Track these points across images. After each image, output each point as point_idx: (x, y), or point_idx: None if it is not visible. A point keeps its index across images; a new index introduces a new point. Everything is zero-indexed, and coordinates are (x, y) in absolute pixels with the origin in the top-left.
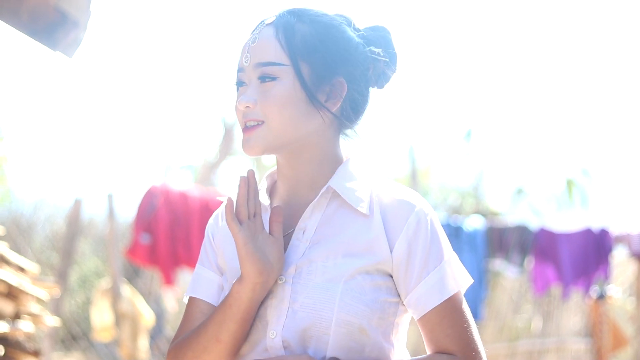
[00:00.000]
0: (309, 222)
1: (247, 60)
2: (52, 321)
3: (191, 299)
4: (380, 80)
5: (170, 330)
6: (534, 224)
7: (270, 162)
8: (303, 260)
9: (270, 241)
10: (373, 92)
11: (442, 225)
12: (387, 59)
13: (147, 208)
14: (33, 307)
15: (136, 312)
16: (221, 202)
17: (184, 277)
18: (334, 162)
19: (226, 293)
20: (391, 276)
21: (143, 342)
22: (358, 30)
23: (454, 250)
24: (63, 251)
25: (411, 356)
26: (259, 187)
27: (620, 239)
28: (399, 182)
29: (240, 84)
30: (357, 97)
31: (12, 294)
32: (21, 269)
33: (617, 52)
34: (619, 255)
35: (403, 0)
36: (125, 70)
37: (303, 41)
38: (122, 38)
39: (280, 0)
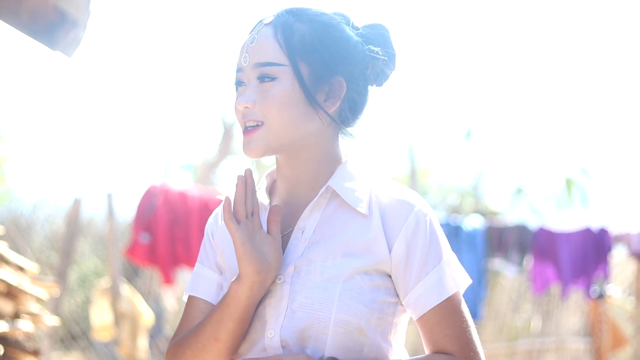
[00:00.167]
0: (308, 222)
1: (246, 60)
2: (51, 320)
3: (190, 297)
4: (379, 78)
5: (170, 329)
6: (533, 224)
7: (269, 161)
8: (302, 260)
9: (268, 240)
10: (372, 91)
11: (442, 225)
12: (385, 58)
13: (147, 207)
14: (32, 306)
15: (135, 311)
16: (220, 201)
17: (184, 276)
18: (333, 161)
19: (224, 293)
20: (390, 276)
21: (142, 342)
22: (357, 28)
23: (453, 249)
24: (62, 251)
25: (410, 356)
26: (258, 186)
27: (620, 239)
28: (398, 182)
29: (239, 83)
30: (356, 96)
31: (11, 293)
32: (20, 269)
33: (616, 51)
34: (619, 255)
35: None
36: (124, 70)
37: (302, 41)
38: (121, 37)
39: None
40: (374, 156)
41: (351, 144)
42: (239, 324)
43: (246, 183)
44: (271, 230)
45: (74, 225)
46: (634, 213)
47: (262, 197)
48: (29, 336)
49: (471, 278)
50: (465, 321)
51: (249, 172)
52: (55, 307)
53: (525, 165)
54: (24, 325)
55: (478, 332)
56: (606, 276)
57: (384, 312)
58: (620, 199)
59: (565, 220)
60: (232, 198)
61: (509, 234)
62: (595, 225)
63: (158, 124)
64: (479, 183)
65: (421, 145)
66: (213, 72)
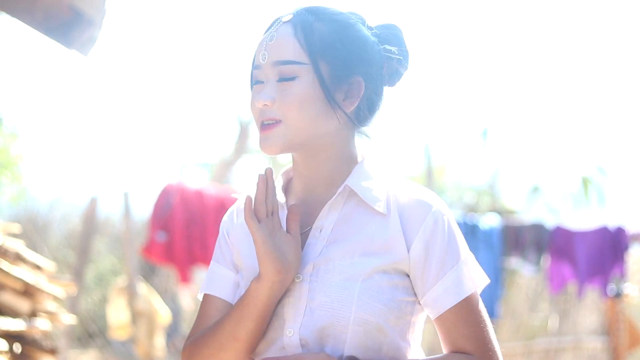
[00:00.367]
0: (326, 221)
1: (265, 58)
2: (68, 319)
3: (206, 296)
4: (393, 78)
5: (187, 328)
6: (550, 222)
7: (285, 160)
8: (320, 259)
9: (287, 239)
10: (386, 90)
11: (458, 224)
12: (401, 58)
13: (163, 206)
14: (49, 305)
15: (152, 310)
16: (236, 200)
17: (200, 275)
18: (350, 161)
19: (242, 291)
20: (408, 275)
21: (159, 340)
22: (371, 28)
23: (469, 248)
24: (79, 249)
25: (426, 355)
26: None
27: (636, 237)
28: (415, 181)
29: (256, 81)
30: (373, 96)
31: (28, 292)
32: (37, 267)
33: (633, 49)
34: (635, 254)
35: None
36: (141, 69)
37: (322, 40)
38: (137, 36)
39: None
40: (390, 155)
41: (367, 144)
42: (258, 323)
43: (267, 182)
44: (290, 229)
45: (90, 224)
46: None
47: (279, 196)
48: (46, 335)
49: (488, 277)
50: (483, 321)
51: (269, 171)
52: (72, 305)
53: (542, 164)
54: (41, 324)
55: (495, 331)
56: (623, 275)
57: (402, 311)
58: (637, 197)
59: (582, 219)
60: (249, 197)
61: (525, 232)
62: (612, 224)
63: (174, 123)
64: (496, 182)
65: (437, 143)
66: (229, 70)
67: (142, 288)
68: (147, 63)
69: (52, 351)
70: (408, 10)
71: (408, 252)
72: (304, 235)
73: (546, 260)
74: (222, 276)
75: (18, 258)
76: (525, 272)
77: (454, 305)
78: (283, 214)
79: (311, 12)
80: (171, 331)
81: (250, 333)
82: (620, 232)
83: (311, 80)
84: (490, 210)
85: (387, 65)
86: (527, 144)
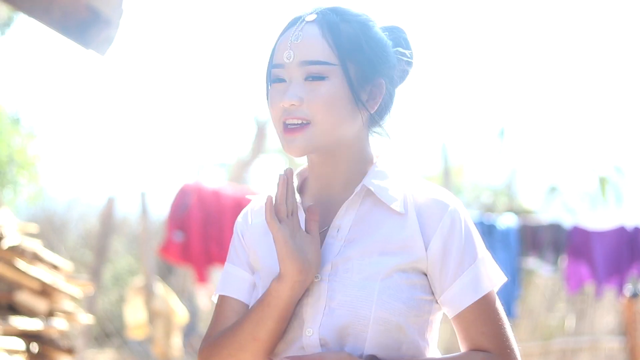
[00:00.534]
0: (343, 221)
1: (290, 57)
2: (85, 319)
3: (222, 297)
4: (402, 79)
5: (204, 328)
6: (567, 222)
7: (301, 160)
8: (339, 259)
9: (308, 239)
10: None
11: (475, 224)
12: (410, 59)
13: (180, 206)
14: (67, 304)
15: (169, 309)
16: (250, 201)
17: (217, 274)
18: (366, 161)
19: (259, 291)
20: (425, 274)
21: (176, 340)
22: (383, 30)
23: (487, 248)
24: (96, 249)
25: (442, 354)
26: None
27: None
28: (432, 180)
29: (277, 79)
30: (390, 96)
31: (46, 291)
32: (55, 267)
33: None
34: None
35: None
36: (158, 69)
37: (348, 41)
38: (155, 36)
39: None
40: (407, 155)
41: (382, 144)
42: (279, 323)
43: (287, 182)
44: (310, 229)
45: (107, 224)
46: None
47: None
48: (63, 334)
49: (505, 276)
50: (501, 319)
51: (290, 171)
52: (89, 305)
53: (559, 164)
54: (59, 324)
55: (512, 331)
56: None
57: (421, 310)
58: None
59: (599, 218)
60: (270, 197)
61: (543, 232)
62: (629, 223)
63: (191, 123)
64: (513, 181)
65: (454, 143)
66: (246, 71)
67: (159, 288)
68: (165, 63)
69: (70, 351)
70: (428, 9)
71: (426, 251)
72: (321, 235)
73: (563, 260)
74: (237, 277)
75: (36, 258)
76: (542, 272)
77: (472, 303)
78: (300, 214)
79: (335, 12)
80: (188, 331)
81: (271, 333)
82: (637, 232)
83: (339, 81)
84: (508, 210)
85: (398, 66)
86: (545, 144)
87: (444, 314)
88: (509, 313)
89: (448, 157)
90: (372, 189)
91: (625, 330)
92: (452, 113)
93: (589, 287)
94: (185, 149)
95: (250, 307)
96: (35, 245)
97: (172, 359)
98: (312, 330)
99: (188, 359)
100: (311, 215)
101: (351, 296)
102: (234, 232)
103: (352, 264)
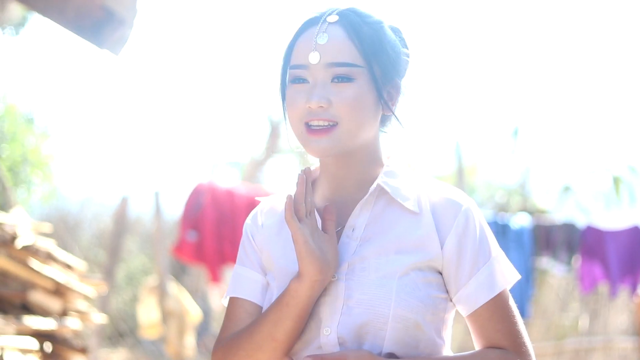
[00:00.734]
0: (358, 220)
1: (316, 58)
2: (99, 318)
3: (234, 299)
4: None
5: (217, 327)
6: (580, 222)
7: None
8: (355, 258)
9: (326, 239)
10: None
11: (489, 223)
12: (409, 60)
13: (194, 206)
14: (80, 304)
15: (183, 309)
16: (259, 202)
17: (230, 274)
18: (378, 161)
19: (274, 292)
20: (440, 273)
21: (190, 340)
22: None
23: (500, 248)
24: (110, 249)
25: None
26: None
27: None
28: (446, 180)
29: (298, 80)
30: (401, 96)
31: (59, 291)
32: (68, 267)
33: None
34: None
35: None
36: (172, 68)
37: (372, 42)
38: (168, 35)
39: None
40: (420, 154)
41: (392, 144)
42: (297, 323)
43: (306, 182)
44: (327, 228)
45: (121, 224)
46: None
47: None
48: (76, 333)
49: (519, 274)
50: (515, 316)
51: (308, 171)
52: (102, 304)
53: (573, 163)
54: (72, 323)
55: (526, 330)
56: None
57: (437, 308)
58: None
59: (612, 218)
60: (290, 196)
61: (556, 232)
62: None
63: (205, 122)
64: (526, 181)
65: (468, 143)
66: (260, 70)
67: (173, 287)
68: (178, 63)
69: (83, 350)
70: (443, 8)
71: (441, 249)
72: (337, 235)
73: (577, 260)
74: (249, 279)
75: (49, 257)
76: (556, 272)
77: (488, 301)
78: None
79: (355, 13)
80: (201, 330)
81: (289, 333)
82: None
83: (365, 83)
84: (521, 210)
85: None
86: (558, 143)
87: (457, 312)
88: (523, 313)
89: (462, 157)
90: (387, 188)
91: (639, 330)
92: (466, 112)
93: (603, 287)
94: (199, 148)
95: (267, 308)
96: (48, 245)
97: (186, 359)
98: (329, 329)
99: (201, 358)
100: (328, 215)
101: (369, 294)
102: (243, 234)
103: (369, 262)
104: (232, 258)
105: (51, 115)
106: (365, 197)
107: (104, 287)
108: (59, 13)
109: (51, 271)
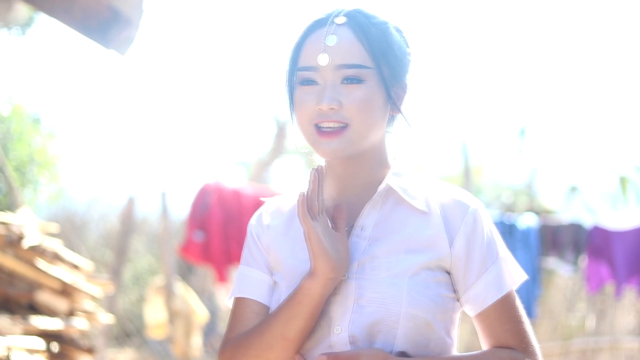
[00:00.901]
0: (367, 220)
1: (325, 60)
2: (105, 318)
3: (240, 299)
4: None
5: (224, 327)
6: (587, 222)
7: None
8: (365, 257)
9: (337, 237)
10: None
11: (495, 223)
12: (411, 59)
13: (201, 206)
14: (87, 304)
15: (189, 309)
16: (264, 203)
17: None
18: (385, 161)
19: (282, 291)
20: (448, 272)
21: (196, 340)
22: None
23: (507, 248)
24: (117, 249)
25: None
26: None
27: None
28: (452, 180)
29: (307, 82)
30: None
31: (66, 291)
32: (75, 267)
33: None
34: None
35: None
36: (178, 68)
37: (380, 44)
38: (175, 36)
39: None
40: (427, 154)
41: (401, 144)
42: (308, 322)
43: (319, 180)
44: (338, 227)
45: (128, 224)
46: None
47: None
48: (83, 334)
49: (526, 274)
50: (522, 316)
51: (321, 169)
52: (109, 305)
53: (580, 163)
54: (79, 323)
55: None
56: None
57: (446, 307)
58: None
59: (620, 218)
60: (304, 194)
61: (563, 232)
62: None
63: (212, 123)
64: (533, 181)
65: (475, 143)
66: (266, 70)
67: (180, 287)
68: (185, 63)
69: (90, 350)
70: (449, 8)
71: (450, 249)
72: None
73: (584, 260)
74: (255, 279)
75: (56, 257)
76: (562, 272)
77: (496, 301)
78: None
79: (362, 14)
80: (208, 330)
81: (301, 332)
82: None
83: (376, 84)
84: (528, 210)
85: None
86: (565, 144)
87: (464, 313)
88: (529, 313)
89: (468, 157)
90: (396, 188)
91: None
92: (473, 112)
93: (610, 287)
94: (206, 148)
95: (277, 307)
96: (55, 245)
97: (192, 359)
98: (340, 327)
99: (208, 358)
100: (338, 214)
101: (381, 293)
102: (247, 235)
103: (379, 261)
104: (239, 258)
105: (58, 116)
106: (374, 197)
107: (110, 287)
108: (65, 13)
109: (58, 271)
